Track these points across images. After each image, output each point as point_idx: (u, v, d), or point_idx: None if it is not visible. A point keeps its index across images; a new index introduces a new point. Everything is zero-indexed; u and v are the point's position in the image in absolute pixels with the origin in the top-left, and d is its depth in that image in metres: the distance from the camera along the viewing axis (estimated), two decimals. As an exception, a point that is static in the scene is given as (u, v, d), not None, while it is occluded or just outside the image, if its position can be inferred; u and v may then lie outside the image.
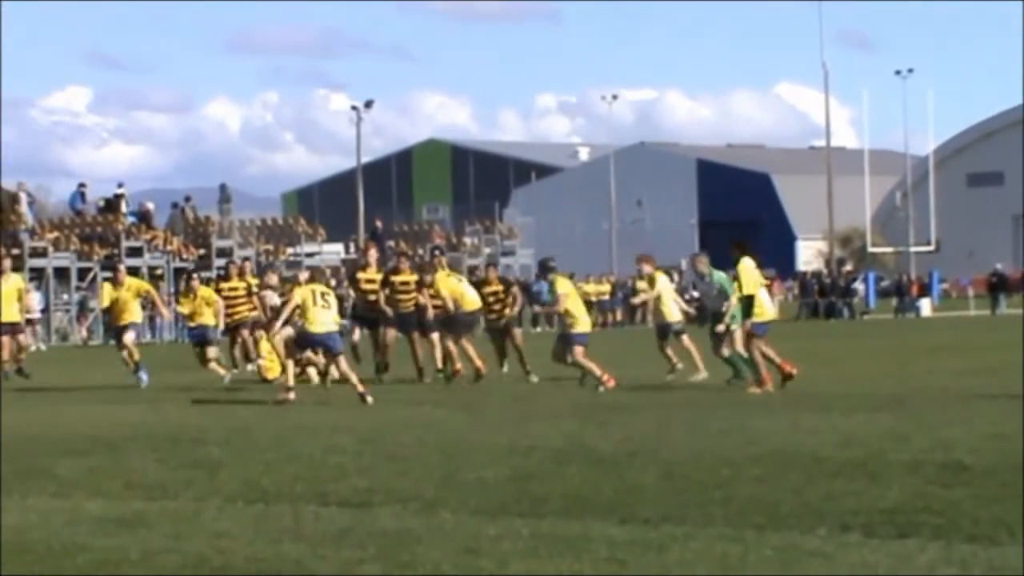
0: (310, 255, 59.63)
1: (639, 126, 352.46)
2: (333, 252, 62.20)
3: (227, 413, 19.04)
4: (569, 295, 22.21)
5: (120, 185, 60.64)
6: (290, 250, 59.15)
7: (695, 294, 27.89)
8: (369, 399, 19.49)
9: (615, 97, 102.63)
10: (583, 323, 22.14)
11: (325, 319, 20.26)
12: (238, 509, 10.42)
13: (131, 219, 58.29)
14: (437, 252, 26.06)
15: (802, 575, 7.88)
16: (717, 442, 13.89)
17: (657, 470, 11.86)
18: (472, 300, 24.13)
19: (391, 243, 60.58)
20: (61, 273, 55.21)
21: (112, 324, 26.55)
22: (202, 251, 57.53)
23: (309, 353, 21.45)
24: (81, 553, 8.73)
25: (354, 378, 20.11)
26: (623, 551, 8.49)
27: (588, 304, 56.71)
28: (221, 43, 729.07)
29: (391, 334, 24.13)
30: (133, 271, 53.29)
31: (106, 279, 31.61)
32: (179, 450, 14.32)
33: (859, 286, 72.89)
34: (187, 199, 61.58)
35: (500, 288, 24.60)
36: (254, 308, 26.37)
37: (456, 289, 24.10)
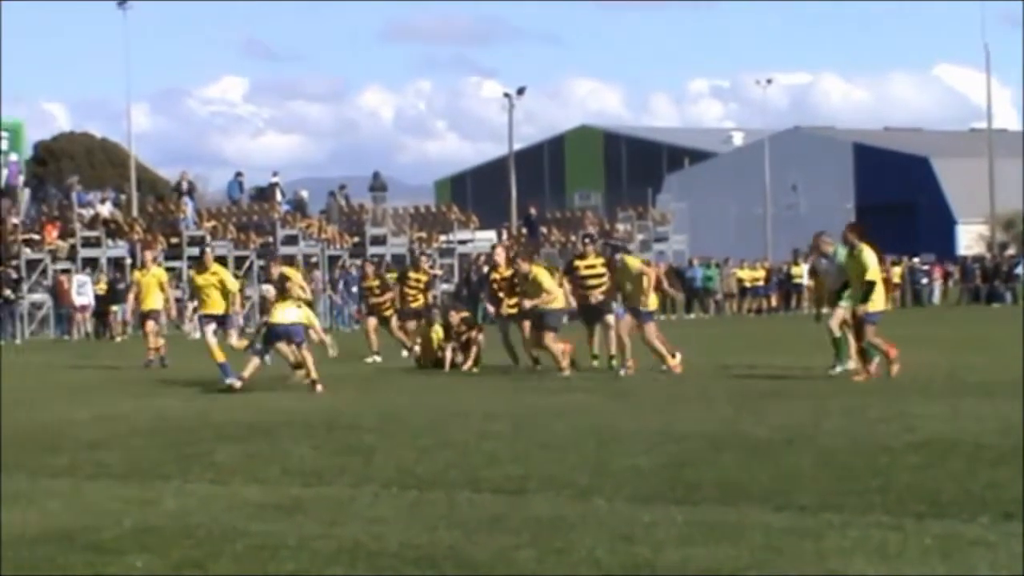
0: (463, 243, 59.86)
1: (794, 110, 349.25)
2: (486, 239, 62.37)
3: (381, 399, 19.17)
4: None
5: (275, 174, 61.39)
6: (443, 237, 59.41)
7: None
8: (319, 387, 20.39)
9: (769, 81, 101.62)
10: (653, 302, 22.98)
11: (289, 312, 21.39)
12: (393, 495, 10.47)
13: (286, 208, 58.97)
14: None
15: (964, 565, 7.72)
16: (875, 429, 13.69)
17: (814, 457, 11.72)
18: (562, 298, 23.90)
19: (543, 230, 60.70)
20: (218, 262, 55.95)
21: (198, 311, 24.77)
22: (356, 239, 58.03)
23: (282, 346, 22.02)
24: (240, 538, 8.82)
25: (310, 364, 20.87)
26: (779, 538, 8.39)
27: (743, 290, 56.57)
28: (375, 32, 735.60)
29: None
30: (289, 259, 53.98)
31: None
32: (334, 436, 14.43)
33: (1022, 270, 71.54)
34: (342, 187, 62.16)
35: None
36: (415, 300, 27.19)
37: (553, 284, 23.75)
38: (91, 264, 51.69)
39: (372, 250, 57.23)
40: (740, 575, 7.63)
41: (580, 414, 16.12)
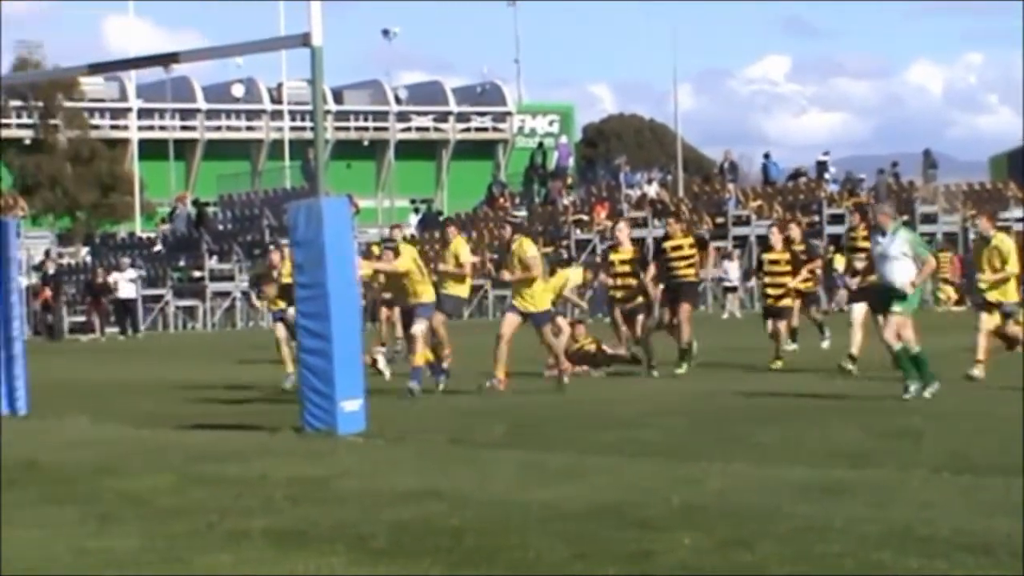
0: (1020, 220, 57.85)
1: None
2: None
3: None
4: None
5: (825, 153, 61.20)
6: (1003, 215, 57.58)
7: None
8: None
9: None
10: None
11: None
12: (944, 480, 10.13)
13: (833, 186, 58.58)
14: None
15: None
16: None
17: None
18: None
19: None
20: (762, 241, 56.06)
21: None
22: (904, 217, 56.95)
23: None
24: (784, 519, 8.70)
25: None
26: None
27: None
28: (921, 3, 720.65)
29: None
30: (835, 239, 53.42)
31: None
32: (882, 419, 14.14)
33: None
34: (894, 164, 61.38)
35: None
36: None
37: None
38: (639, 242, 52.69)
39: (922, 228, 55.94)
40: None
41: None
